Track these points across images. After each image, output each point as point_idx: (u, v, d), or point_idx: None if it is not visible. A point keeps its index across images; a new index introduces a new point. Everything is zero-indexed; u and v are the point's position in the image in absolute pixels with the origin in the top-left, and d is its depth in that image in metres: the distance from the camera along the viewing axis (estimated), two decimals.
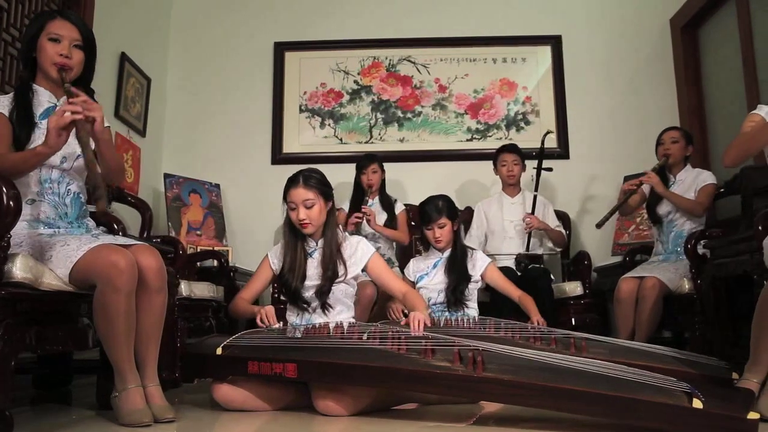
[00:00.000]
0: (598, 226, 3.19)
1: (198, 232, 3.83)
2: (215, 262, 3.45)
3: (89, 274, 1.72)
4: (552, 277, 3.44)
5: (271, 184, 3.60)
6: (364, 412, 1.94)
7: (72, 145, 1.95)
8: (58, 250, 1.75)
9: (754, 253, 2.20)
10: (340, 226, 2.43)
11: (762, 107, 2.15)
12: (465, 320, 2.52)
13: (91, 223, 2.02)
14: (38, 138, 1.86)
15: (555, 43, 4.27)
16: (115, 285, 1.69)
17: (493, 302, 3.15)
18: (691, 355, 2.18)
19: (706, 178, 3.04)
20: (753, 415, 1.41)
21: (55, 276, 1.73)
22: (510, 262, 3.37)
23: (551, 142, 4.14)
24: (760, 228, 2.17)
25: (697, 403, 1.44)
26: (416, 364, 1.71)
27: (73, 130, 1.77)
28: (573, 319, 3.36)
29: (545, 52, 4.28)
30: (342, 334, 1.96)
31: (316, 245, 2.28)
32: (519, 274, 3.28)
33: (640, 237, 3.77)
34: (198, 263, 3.54)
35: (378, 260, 2.29)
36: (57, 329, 1.78)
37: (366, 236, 3.54)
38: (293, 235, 2.27)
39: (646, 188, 3.21)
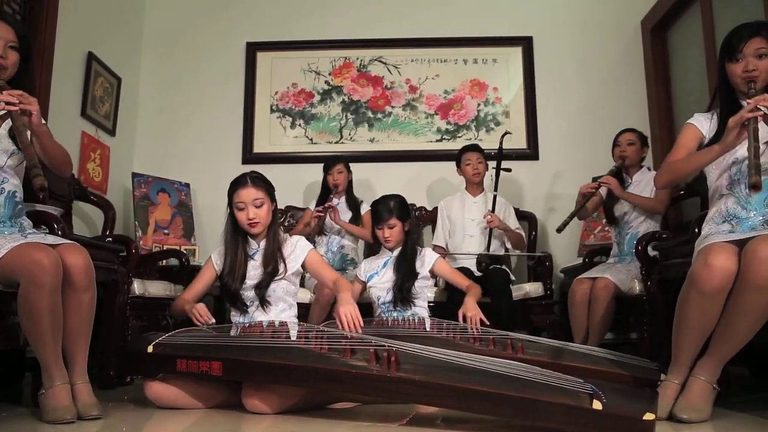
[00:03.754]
0: (559, 230, 3.22)
1: (165, 231, 3.86)
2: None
3: (13, 272, 1.74)
4: (513, 278, 3.45)
5: None
6: (293, 410, 1.96)
7: (5, 142, 1.98)
8: None
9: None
10: (284, 232, 2.46)
11: (697, 117, 2.16)
12: (410, 320, 2.53)
13: (27, 222, 2.04)
14: None
15: (526, 44, 4.28)
16: (37, 283, 1.71)
17: (450, 302, 3.16)
18: (624, 357, 2.19)
19: None
20: (648, 416, 1.42)
21: None
22: (471, 262, 3.37)
23: (520, 142, 4.16)
24: (696, 230, 2.19)
25: (596, 404, 1.45)
26: (334, 364, 1.74)
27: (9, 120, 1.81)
28: (533, 320, 3.37)
29: (516, 53, 4.28)
30: (273, 332, 1.98)
31: (258, 247, 2.31)
32: (479, 274, 3.29)
33: (606, 238, 3.77)
34: (164, 261, 3.57)
35: (315, 256, 2.35)
36: None
37: (332, 232, 3.57)
38: (234, 238, 2.31)
39: (603, 190, 3.23)
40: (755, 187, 1.71)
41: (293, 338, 1.91)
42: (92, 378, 2.56)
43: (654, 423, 1.42)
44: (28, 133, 1.91)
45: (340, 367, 1.72)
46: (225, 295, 2.30)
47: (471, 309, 2.48)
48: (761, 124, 1.92)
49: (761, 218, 1.90)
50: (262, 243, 2.31)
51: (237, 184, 2.29)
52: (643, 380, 2.02)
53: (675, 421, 1.76)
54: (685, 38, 3.83)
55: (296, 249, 2.31)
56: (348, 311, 1.99)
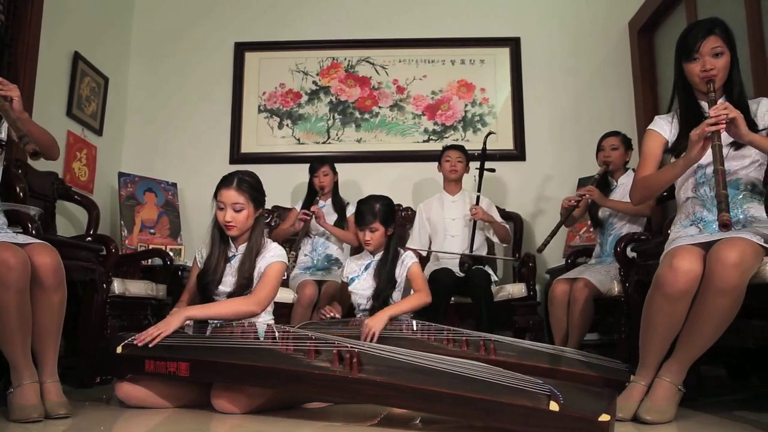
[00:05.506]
0: (539, 250, 3.23)
1: (151, 231, 3.87)
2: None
3: None
4: (496, 279, 3.45)
5: None
6: (263, 409, 1.96)
7: None
8: None
9: None
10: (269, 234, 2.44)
11: (657, 121, 2.16)
12: None
13: (2, 221, 2.05)
14: None
15: (514, 45, 4.28)
16: (4, 282, 1.72)
17: (432, 305, 3.15)
18: (596, 358, 2.20)
19: None
20: (604, 417, 1.42)
21: None
22: (453, 263, 3.37)
23: (507, 143, 4.18)
24: (669, 232, 2.19)
25: (553, 406, 1.46)
26: (298, 365, 1.74)
27: None
28: (516, 321, 3.37)
29: (504, 54, 4.29)
30: (242, 332, 1.99)
31: (236, 251, 2.29)
32: (462, 275, 3.29)
33: (591, 239, 3.76)
34: (149, 261, 3.57)
35: (277, 267, 2.23)
36: None
37: (317, 234, 3.57)
38: (220, 235, 2.29)
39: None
40: (725, 226, 1.63)
41: (261, 339, 1.91)
42: (71, 377, 2.59)
43: (609, 424, 1.43)
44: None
45: (303, 368, 1.73)
46: (201, 293, 2.28)
47: (372, 322, 2.42)
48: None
49: None
50: (241, 248, 2.29)
51: (223, 182, 2.25)
52: (613, 381, 2.02)
53: (639, 422, 1.77)
54: (671, 39, 3.80)
55: (267, 255, 2.25)
56: (161, 326, 2.03)
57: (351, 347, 1.69)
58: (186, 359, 1.86)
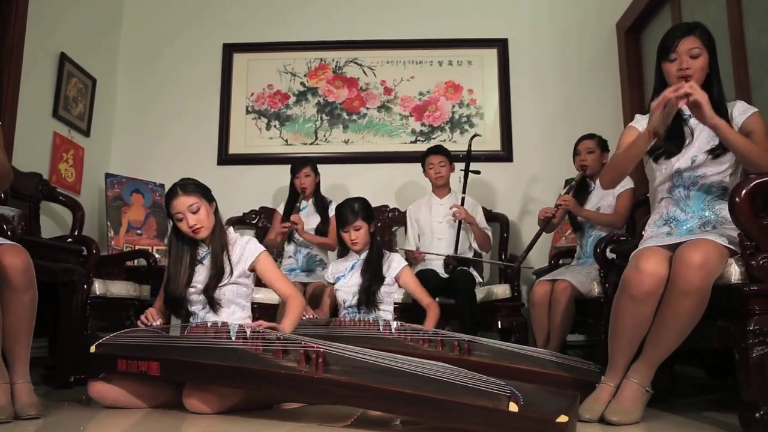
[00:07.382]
0: (518, 263, 3.25)
1: (138, 232, 3.88)
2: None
3: None
4: (480, 280, 3.46)
5: (216, 185, 3.62)
6: (236, 410, 1.97)
7: None
8: None
9: None
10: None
11: (638, 118, 2.17)
12: (364, 321, 2.55)
13: None
14: None
15: (501, 46, 4.28)
16: None
17: (415, 304, 3.17)
18: (570, 359, 2.20)
19: (624, 183, 3.04)
20: (562, 419, 1.42)
21: None
22: (438, 264, 3.38)
23: (494, 144, 4.18)
24: (643, 233, 2.19)
25: (513, 407, 1.46)
26: (265, 365, 1.75)
27: None
28: (499, 322, 3.37)
29: (491, 55, 4.29)
30: (215, 332, 2.00)
31: (208, 249, 2.30)
32: (446, 276, 3.29)
33: (576, 240, 3.77)
34: (134, 262, 3.58)
35: (266, 259, 2.29)
36: None
37: (299, 241, 3.57)
38: (179, 247, 2.29)
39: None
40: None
41: (233, 339, 1.92)
42: (50, 377, 2.60)
43: (568, 425, 1.43)
44: None
45: (270, 368, 1.73)
46: (168, 303, 2.27)
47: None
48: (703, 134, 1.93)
49: (698, 221, 1.91)
50: (211, 246, 2.31)
51: (169, 196, 2.27)
52: (584, 382, 2.02)
53: (605, 423, 1.77)
54: (657, 40, 3.80)
55: (245, 251, 2.28)
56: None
57: (318, 347, 1.69)
58: (156, 358, 1.87)
